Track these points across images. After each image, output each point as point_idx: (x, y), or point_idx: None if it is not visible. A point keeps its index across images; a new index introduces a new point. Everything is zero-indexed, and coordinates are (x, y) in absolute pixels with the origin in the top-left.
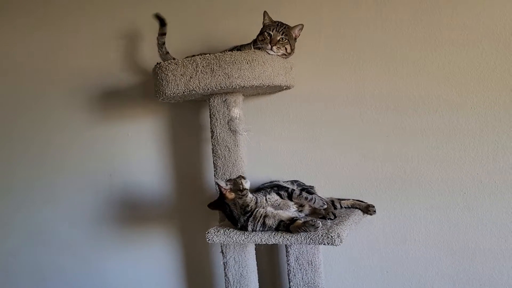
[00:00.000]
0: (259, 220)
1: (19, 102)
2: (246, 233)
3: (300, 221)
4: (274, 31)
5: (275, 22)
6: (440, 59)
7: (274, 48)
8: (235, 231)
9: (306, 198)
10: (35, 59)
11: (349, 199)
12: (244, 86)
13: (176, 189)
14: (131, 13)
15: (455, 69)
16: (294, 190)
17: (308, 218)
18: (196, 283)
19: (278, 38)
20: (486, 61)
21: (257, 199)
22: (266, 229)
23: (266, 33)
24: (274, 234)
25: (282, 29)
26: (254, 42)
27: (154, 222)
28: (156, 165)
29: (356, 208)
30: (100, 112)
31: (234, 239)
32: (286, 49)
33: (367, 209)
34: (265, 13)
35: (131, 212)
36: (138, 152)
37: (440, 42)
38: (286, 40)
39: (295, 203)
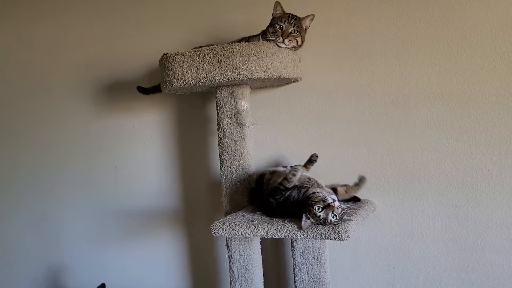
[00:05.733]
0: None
1: (24, 94)
2: (251, 226)
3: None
4: (286, 23)
5: (286, 13)
6: (452, 52)
7: (286, 41)
8: (240, 224)
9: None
10: (41, 51)
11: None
12: (251, 78)
13: (182, 181)
14: (136, 4)
15: (468, 62)
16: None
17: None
18: (201, 276)
19: (290, 30)
20: (500, 55)
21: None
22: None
23: (277, 25)
24: (280, 228)
25: (293, 21)
26: (263, 33)
27: (160, 214)
28: (162, 157)
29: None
30: (106, 104)
31: (239, 232)
32: (297, 41)
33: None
34: (277, 3)
35: (136, 205)
36: (144, 144)
37: (453, 35)
38: (298, 33)
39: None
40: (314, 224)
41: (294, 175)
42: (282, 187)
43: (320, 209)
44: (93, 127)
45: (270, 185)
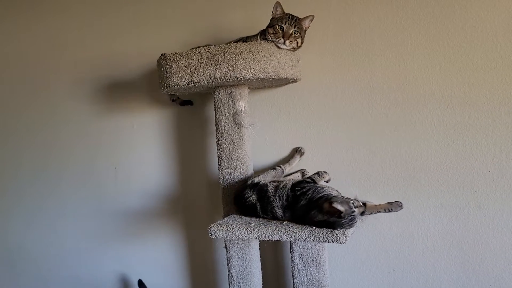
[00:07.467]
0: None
1: (24, 93)
2: (248, 228)
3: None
4: (286, 24)
5: (286, 14)
6: (452, 52)
7: (287, 42)
8: (238, 226)
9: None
10: (41, 50)
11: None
12: (249, 79)
13: (180, 182)
14: (136, 4)
15: (468, 63)
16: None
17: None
18: (199, 277)
19: (291, 31)
20: (501, 55)
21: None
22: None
23: (277, 26)
24: (278, 230)
25: (294, 22)
26: (261, 33)
27: (159, 215)
28: (161, 157)
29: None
30: (106, 104)
31: (237, 235)
32: (297, 42)
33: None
34: (277, 4)
35: (135, 205)
36: (143, 144)
37: (453, 35)
38: (298, 34)
39: None
40: (344, 211)
41: (326, 172)
42: (309, 179)
43: (353, 206)
44: (93, 127)
45: (283, 187)
